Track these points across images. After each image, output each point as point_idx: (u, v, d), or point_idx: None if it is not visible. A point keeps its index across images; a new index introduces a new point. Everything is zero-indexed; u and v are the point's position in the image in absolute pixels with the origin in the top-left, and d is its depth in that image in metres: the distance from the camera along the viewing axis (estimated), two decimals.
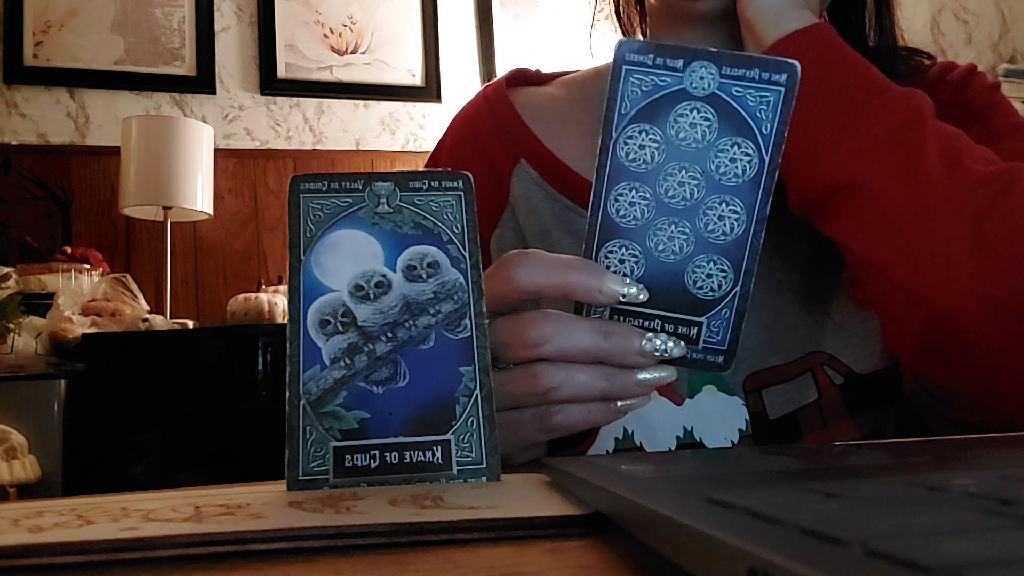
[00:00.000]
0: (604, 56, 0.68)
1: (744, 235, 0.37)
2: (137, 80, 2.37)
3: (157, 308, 2.07)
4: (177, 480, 1.70)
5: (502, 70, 2.59)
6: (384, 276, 0.35)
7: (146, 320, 1.87)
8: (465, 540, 0.23)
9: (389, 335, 0.35)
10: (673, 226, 0.38)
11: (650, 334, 0.37)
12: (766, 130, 0.37)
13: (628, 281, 0.37)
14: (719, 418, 0.54)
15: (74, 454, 1.62)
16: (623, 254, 0.38)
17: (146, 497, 0.31)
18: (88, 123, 2.33)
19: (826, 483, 0.21)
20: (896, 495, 0.18)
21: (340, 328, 0.35)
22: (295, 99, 2.50)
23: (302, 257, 0.35)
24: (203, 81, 2.42)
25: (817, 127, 0.46)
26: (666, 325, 0.38)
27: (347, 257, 0.36)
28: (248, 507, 0.27)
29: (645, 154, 0.37)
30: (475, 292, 0.35)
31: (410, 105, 2.60)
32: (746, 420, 0.54)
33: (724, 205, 0.37)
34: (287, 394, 0.33)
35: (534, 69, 0.68)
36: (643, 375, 0.38)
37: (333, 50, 2.55)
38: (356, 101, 2.56)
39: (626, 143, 0.38)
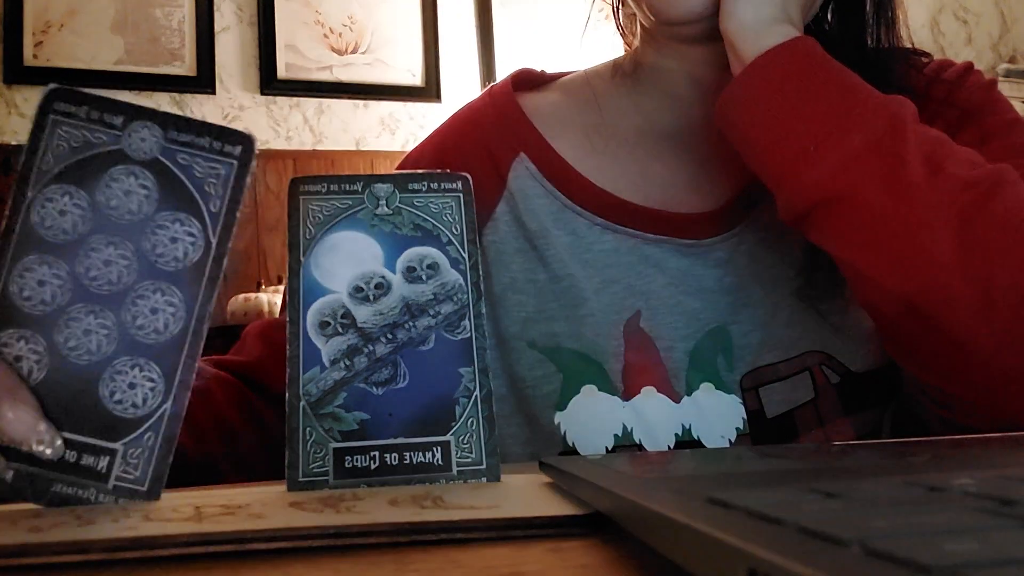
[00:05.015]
0: (603, 54, 0.68)
1: (181, 335, 0.31)
2: (137, 80, 2.37)
3: None
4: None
5: (502, 70, 2.59)
6: (384, 277, 0.35)
7: None
8: (465, 540, 0.23)
9: (389, 336, 0.35)
10: (92, 316, 0.31)
11: None
12: (215, 207, 0.32)
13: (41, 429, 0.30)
14: (717, 416, 0.54)
15: None
16: (21, 348, 0.31)
17: None
18: None
19: (826, 483, 0.21)
20: (896, 495, 0.18)
21: (340, 329, 0.35)
22: (295, 99, 2.50)
23: (302, 258, 0.35)
24: (203, 81, 2.42)
25: (801, 140, 0.46)
26: (68, 452, 0.30)
27: (347, 259, 0.36)
28: (248, 507, 0.27)
29: (65, 222, 0.31)
30: (474, 293, 0.35)
31: (410, 105, 2.60)
32: (743, 419, 0.54)
33: (159, 294, 0.32)
34: (287, 395, 0.33)
35: (539, 69, 0.68)
36: None
37: (333, 50, 2.55)
38: (356, 101, 2.56)
39: (43, 206, 0.31)
